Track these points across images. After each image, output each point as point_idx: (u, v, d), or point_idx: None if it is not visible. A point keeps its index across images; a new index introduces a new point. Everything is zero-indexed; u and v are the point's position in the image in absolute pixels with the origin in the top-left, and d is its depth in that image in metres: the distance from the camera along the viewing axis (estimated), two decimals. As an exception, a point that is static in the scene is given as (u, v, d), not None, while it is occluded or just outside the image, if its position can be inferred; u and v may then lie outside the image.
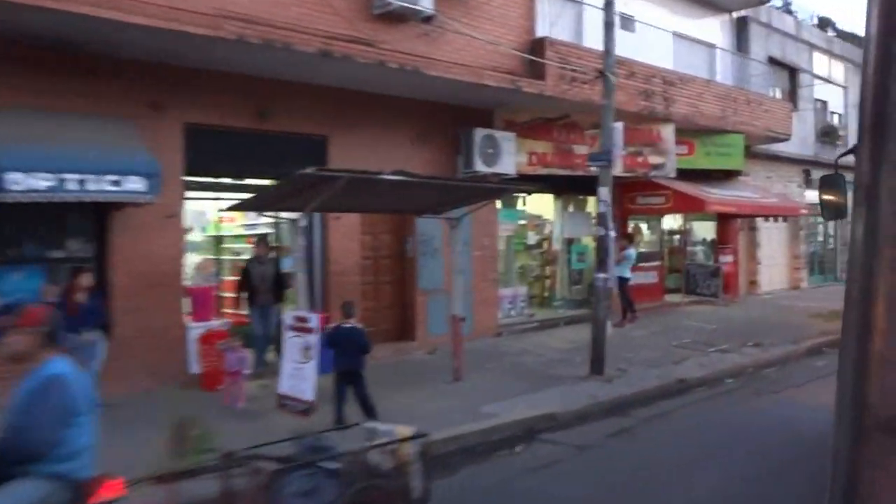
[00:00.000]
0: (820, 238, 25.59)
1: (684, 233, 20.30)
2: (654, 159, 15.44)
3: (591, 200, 16.65)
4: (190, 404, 8.17)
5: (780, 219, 22.84)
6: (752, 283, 21.42)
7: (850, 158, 2.92)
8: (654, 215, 17.22)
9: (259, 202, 8.99)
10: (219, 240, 14.16)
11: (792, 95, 22.49)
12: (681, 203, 15.75)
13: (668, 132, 15.57)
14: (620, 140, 11.02)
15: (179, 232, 10.44)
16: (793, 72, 22.68)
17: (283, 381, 9.09)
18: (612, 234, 10.80)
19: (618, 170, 11.29)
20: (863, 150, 2.15)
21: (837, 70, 25.17)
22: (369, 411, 8.37)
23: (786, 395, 10.23)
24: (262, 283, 10.48)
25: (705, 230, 20.45)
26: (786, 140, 19.45)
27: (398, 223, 12.99)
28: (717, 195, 16.49)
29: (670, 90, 15.40)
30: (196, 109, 10.44)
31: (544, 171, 14.36)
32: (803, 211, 19.14)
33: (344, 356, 8.53)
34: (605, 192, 10.74)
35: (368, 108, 12.22)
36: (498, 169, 13.30)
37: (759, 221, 21.70)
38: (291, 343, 9.02)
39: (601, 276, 10.76)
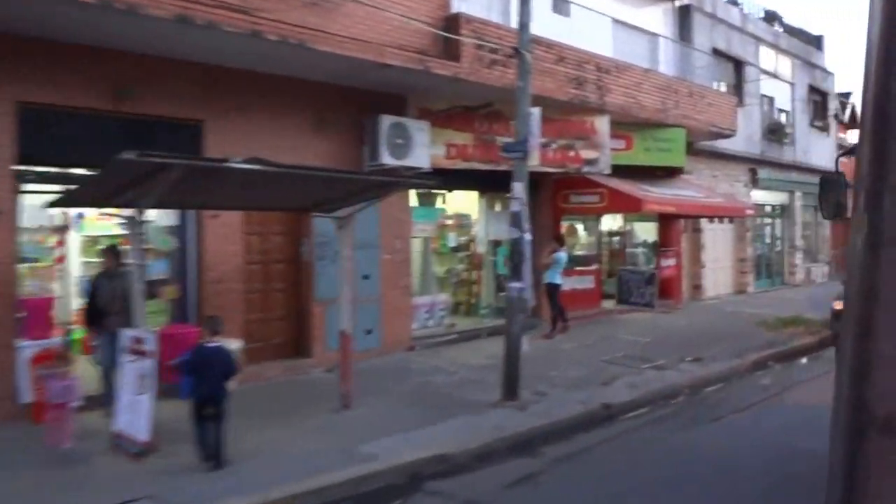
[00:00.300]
0: (767, 240, 24.57)
1: (625, 234, 19.00)
2: (587, 154, 14.05)
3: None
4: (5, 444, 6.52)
5: (726, 220, 21.72)
6: (697, 288, 20.22)
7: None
8: (589, 215, 15.85)
9: (82, 195, 7.31)
10: (94, 241, 12.36)
11: (737, 90, 21.37)
12: (616, 202, 14.39)
13: (602, 124, 14.19)
14: (538, 128, 9.56)
15: (10, 232, 8.66)
16: (738, 65, 21.56)
17: (119, 416, 7.46)
18: (528, 236, 9.33)
19: (534, 161, 9.82)
20: (864, 151, 1.99)
21: (784, 65, 24.18)
22: (214, 456, 6.77)
23: (726, 423, 8.87)
24: (111, 302, 8.60)
25: (647, 231, 19.17)
26: (731, 136, 18.26)
27: (293, 222, 11.38)
28: (657, 194, 15.17)
29: (605, 78, 14.02)
30: (34, 86, 8.70)
31: (464, 166, 12.84)
32: (749, 212, 17.96)
33: (205, 381, 6.95)
34: (519, 187, 9.26)
35: (256, 90, 10.59)
36: (409, 162, 11.76)
37: (704, 223, 20.52)
38: (129, 369, 7.38)
39: (515, 285, 9.27)
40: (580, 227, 17.20)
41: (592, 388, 10.03)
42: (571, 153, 13.88)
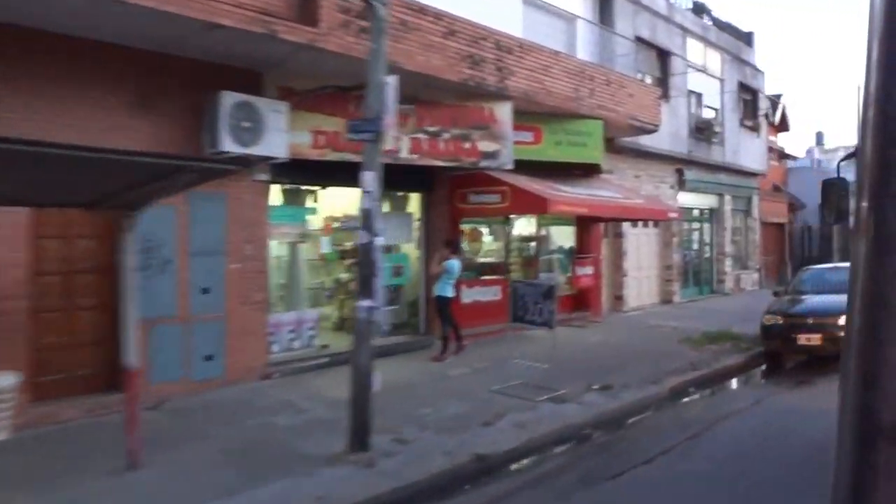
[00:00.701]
0: (695, 246, 23.07)
1: (541, 240, 17.15)
2: (485, 146, 12.09)
3: (414, 199, 13.21)
4: None
5: (651, 224, 20.09)
6: (618, 299, 18.50)
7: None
8: (490, 217, 13.89)
9: None
10: None
11: (663, 83, 19.76)
12: (520, 202, 12.47)
13: (503, 112, 12.27)
14: (394, 102, 7.54)
15: None
16: (664, 56, 19.96)
17: None
18: (380, 239, 7.29)
19: (389, 144, 7.80)
20: (866, 156, 1.76)
21: (713, 60, 22.73)
22: None
23: (630, 480, 6.95)
24: None
25: (565, 237, 17.34)
26: (653, 131, 16.57)
27: (106, 223, 9.11)
28: (568, 194, 13.32)
29: (506, 59, 12.10)
30: None
31: (336, 157, 10.76)
32: (672, 215, 16.27)
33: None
34: (370, 178, 7.23)
35: (54, 58, 8.35)
36: (260, 150, 9.63)
37: (627, 227, 18.83)
38: None
39: (364, 304, 7.22)
40: (485, 230, 15.26)
41: (470, 430, 8.04)
42: (467, 145, 11.92)
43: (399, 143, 11.23)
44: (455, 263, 11.78)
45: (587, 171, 15.91)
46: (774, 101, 33.78)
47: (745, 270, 25.62)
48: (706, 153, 21.76)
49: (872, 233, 1.70)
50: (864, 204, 1.75)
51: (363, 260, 7.26)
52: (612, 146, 17.34)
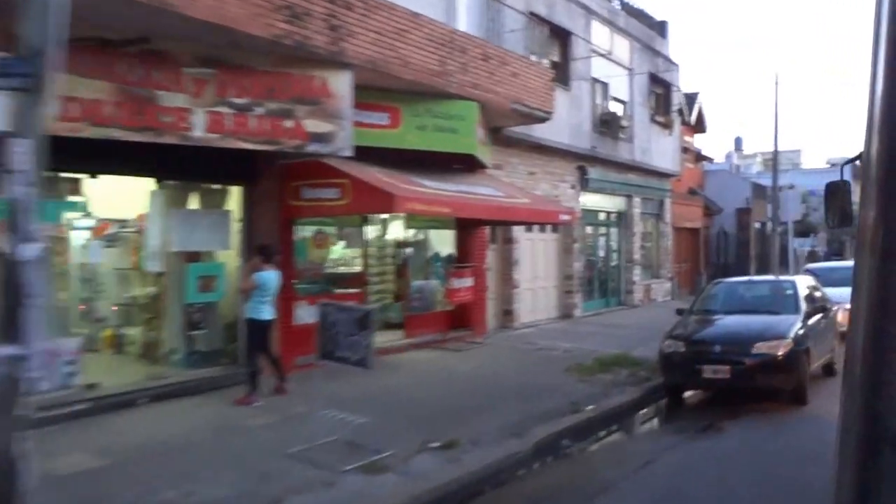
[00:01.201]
0: (601, 253, 20.88)
1: (418, 245, 14.60)
2: (314, 125, 9.42)
3: (235, 193, 10.49)
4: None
5: (550, 229, 17.78)
6: (507, 314, 16.09)
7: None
8: (327, 216, 11.22)
9: None
10: None
11: (562, 69, 17.47)
12: (362, 199, 9.86)
13: (340, 84, 9.64)
14: (63, 29, 4.79)
15: None
16: (564, 38, 17.64)
17: None
18: (34, 249, 4.55)
19: (51, 95, 5.04)
20: (871, 159, 1.92)
21: (621, 48, 20.59)
22: None
23: None
24: None
25: (446, 242, 14.80)
26: (544, 119, 14.21)
27: None
28: (426, 190, 10.77)
29: (343, 15, 9.48)
30: None
31: (99, 134, 7.96)
32: (565, 217, 13.89)
33: None
34: (22, 150, 4.47)
35: None
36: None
37: (520, 232, 16.45)
38: None
39: (5, 351, 4.46)
40: (341, 233, 12.60)
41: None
42: (288, 123, 9.23)
43: (191, 118, 8.51)
44: (270, 276, 9.09)
45: (471, 166, 13.45)
46: (691, 98, 32.12)
47: (656, 280, 23.63)
48: (612, 150, 19.58)
49: (880, 241, 1.85)
50: (871, 213, 1.87)
51: (6, 280, 4.51)
52: (499, 137, 14.93)
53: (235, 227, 10.42)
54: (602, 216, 20.86)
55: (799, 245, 47.17)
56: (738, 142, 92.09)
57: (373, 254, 13.84)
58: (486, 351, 13.34)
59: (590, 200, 19.44)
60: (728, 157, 71.55)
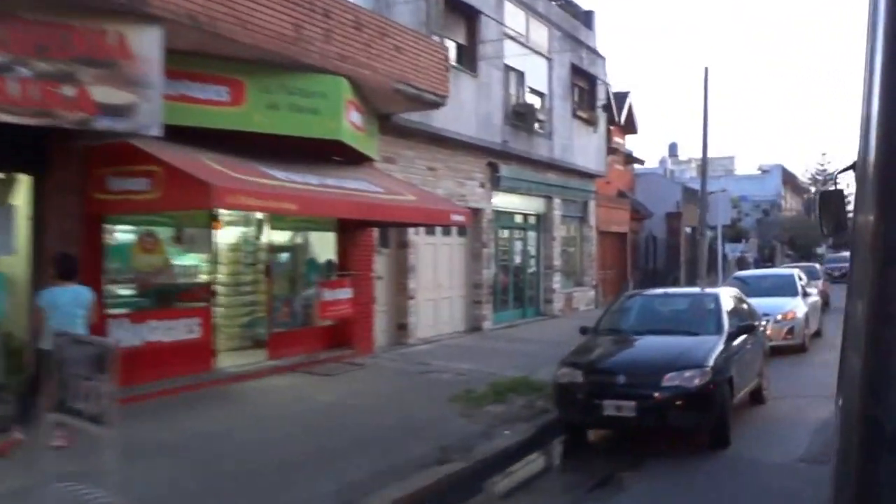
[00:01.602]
0: (517, 258, 19.05)
1: (297, 250, 12.52)
2: (105, 95, 7.27)
3: (24, 184, 8.27)
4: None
5: (456, 232, 15.89)
6: (402, 329, 14.09)
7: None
8: (142, 213, 9.03)
9: None
10: None
11: (470, 52, 15.59)
12: (177, 191, 7.74)
13: (145, 43, 7.50)
14: None
15: None
16: (471, 16, 15.74)
17: None
18: None
19: None
20: (868, 165, 1.91)
21: (539, 34, 18.81)
22: None
23: None
24: None
25: (327, 246, 12.74)
26: (438, 103, 12.30)
27: None
28: (271, 182, 8.72)
29: (150, -46, 7.37)
30: None
31: None
32: (458, 218, 11.95)
33: None
34: None
35: None
36: None
37: (418, 235, 14.50)
38: None
39: None
40: (173, 234, 10.43)
41: None
42: (68, 90, 7.07)
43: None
44: (60, 293, 6.90)
45: (356, 159, 11.49)
46: (621, 97, 30.70)
47: (579, 287, 21.94)
48: (528, 145, 17.78)
49: (879, 245, 1.81)
50: (870, 217, 1.84)
51: None
52: (391, 126, 12.98)
53: (23, 225, 8.21)
54: (518, 218, 19.07)
55: (731, 250, 46.45)
56: (672, 147, 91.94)
57: (235, 259, 11.73)
58: (364, 375, 11.32)
59: (504, 201, 17.61)
60: (662, 162, 70.92)
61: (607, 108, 23.46)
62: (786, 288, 16.03)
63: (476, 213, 16.31)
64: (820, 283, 24.06)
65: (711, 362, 7.86)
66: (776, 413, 9.68)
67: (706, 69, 24.02)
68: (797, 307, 15.07)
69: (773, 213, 57.75)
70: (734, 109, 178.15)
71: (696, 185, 53.86)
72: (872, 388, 1.78)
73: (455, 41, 15.27)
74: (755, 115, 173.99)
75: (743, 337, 8.89)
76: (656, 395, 7.62)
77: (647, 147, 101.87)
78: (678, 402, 7.60)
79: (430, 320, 15.05)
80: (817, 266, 27.00)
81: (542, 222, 19.84)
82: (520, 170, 17.71)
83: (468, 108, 15.20)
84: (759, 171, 71.84)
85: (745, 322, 9.20)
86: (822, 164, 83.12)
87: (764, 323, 10.80)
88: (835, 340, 17.55)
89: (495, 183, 16.67)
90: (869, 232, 1.81)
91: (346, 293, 11.80)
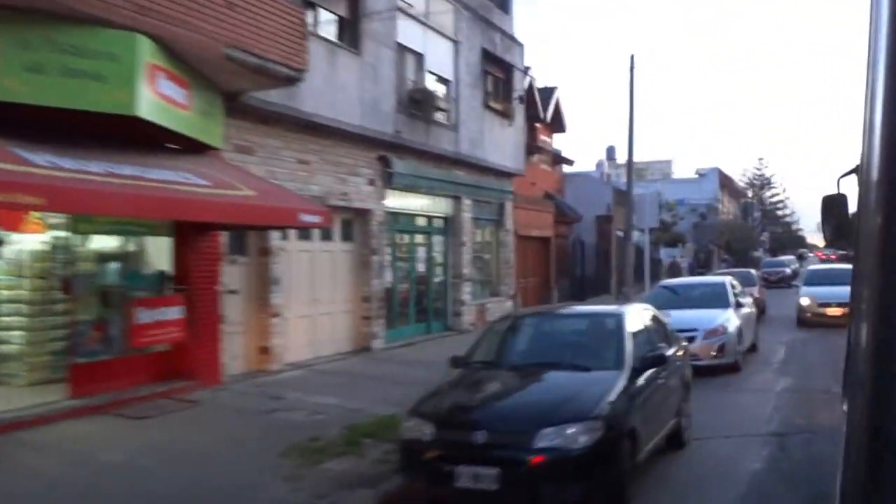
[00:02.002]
0: (420, 266, 16.86)
1: (129, 259, 10.10)
2: None
3: None
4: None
5: (339, 236, 13.66)
6: (264, 353, 11.74)
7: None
8: None
9: None
10: None
11: (351, 27, 13.37)
12: None
13: None
14: None
15: None
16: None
17: None
18: None
19: None
20: (873, 169, 1.87)
21: (443, 13, 16.65)
22: None
23: None
24: None
25: (162, 254, 10.35)
26: (293, 78, 10.05)
27: None
28: (27, 169, 6.33)
29: None
30: None
31: None
32: (311, 219, 9.64)
33: None
34: None
35: None
36: None
37: (286, 241, 12.21)
38: None
39: None
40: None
41: None
42: None
43: None
44: None
45: (197, 148, 9.20)
46: (547, 92, 28.85)
47: (494, 298, 19.86)
48: (427, 138, 15.63)
49: (883, 251, 1.78)
50: (875, 222, 1.81)
51: None
52: (243, 108, 10.69)
53: None
54: (421, 221, 16.90)
55: (666, 255, 45.07)
56: (610, 150, 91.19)
57: (41, 272, 9.29)
58: (191, 416, 8.97)
59: (401, 201, 15.44)
60: (599, 165, 69.67)
61: (528, 100, 21.46)
62: (716, 298, 14.17)
63: (363, 214, 14.10)
64: (756, 289, 22.50)
65: (605, 410, 5.77)
66: (697, 461, 7.66)
67: (632, 56, 22.27)
68: (729, 320, 13.21)
69: (711, 217, 56.82)
70: (674, 113, 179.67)
71: (654, 194, 52.84)
72: (878, 395, 1.71)
73: (334, 12, 13.04)
74: (695, 118, 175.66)
75: (652, 372, 6.81)
76: (527, 458, 5.49)
77: (585, 150, 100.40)
78: (556, 470, 5.48)
79: (305, 341, 12.76)
80: (753, 271, 25.44)
81: (449, 225, 17.70)
82: (419, 165, 15.55)
83: (350, 92, 12.98)
84: (697, 175, 71.24)
85: (656, 350, 7.11)
86: (759, 169, 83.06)
87: (685, 346, 8.81)
88: (771, 356, 15.94)
89: (387, 180, 14.46)
90: (873, 237, 1.80)
91: (173, 312, 9.44)
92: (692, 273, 36.91)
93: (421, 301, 16.90)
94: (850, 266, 22.07)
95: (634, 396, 6.21)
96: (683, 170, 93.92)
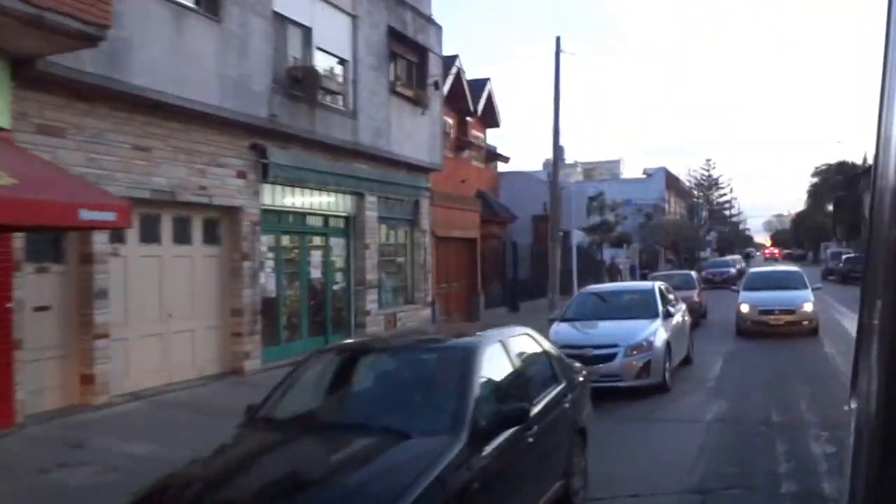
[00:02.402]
0: (314, 273, 14.74)
1: None
2: None
3: None
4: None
5: (200, 239, 11.50)
6: (87, 382, 9.50)
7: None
8: None
9: None
10: None
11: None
12: None
13: None
14: None
15: None
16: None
17: None
18: None
19: None
20: (889, 171, 1.85)
21: (337, -18, 14.56)
22: None
23: None
24: None
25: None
26: (91, 36, 7.88)
27: None
28: None
29: None
30: None
31: None
32: (97, 216, 7.41)
33: None
34: None
35: None
36: None
37: (124, 245, 10.02)
38: None
39: None
40: None
41: None
42: None
43: None
44: None
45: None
46: (479, 84, 26.99)
47: (410, 306, 17.83)
48: (312, 125, 13.49)
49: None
50: (887, 221, 1.81)
51: None
52: (41, 76, 8.49)
53: None
54: (315, 221, 14.80)
55: (611, 256, 43.54)
56: (559, 150, 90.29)
57: None
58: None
59: (288, 198, 13.37)
60: (546, 164, 68.11)
61: (456, 92, 19.47)
62: (643, 307, 12.31)
63: (232, 212, 11.96)
64: (695, 293, 20.86)
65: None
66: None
67: (557, 38, 20.36)
68: (655, 333, 11.35)
69: (657, 217, 55.59)
70: (623, 112, 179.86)
71: (581, 189, 51.28)
72: (888, 395, 1.70)
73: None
74: (644, 118, 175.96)
75: (516, 429, 4.75)
76: None
77: (535, 150, 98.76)
78: None
79: (153, 365, 10.59)
80: (693, 274, 23.75)
81: (351, 226, 15.62)
82: (307, 156, 13.44)
83: (206, 67, 10.85)
84: (645, 175, 70.15)
85: (517, 404, 4.94)
86: (706, 170, 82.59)
87: (581, 380, 6.84)
88: (707, 371, 13.86)
89: (263, 172, 12.33)
90: (885, 236, 1.81)
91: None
92: (633, 275, 35.37)
93: (317, 312, 14.80)
94: (794, 268, 20.29)
95: (470, 483, 4.13)
96: (635, 170, 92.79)
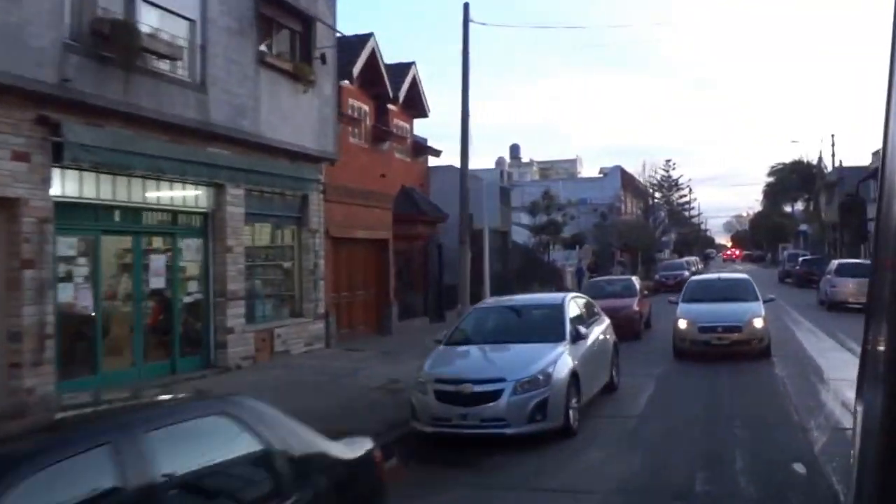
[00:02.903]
0: (155, 282, 11.91)
1: None
2: None
3: None
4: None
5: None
6: None
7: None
8: None
9: None
10: None
11: None
12: None
13: None
14: None
15: None
16: None
17: None
18: None
19: None
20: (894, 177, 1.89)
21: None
22: None
23: None
24: None
25: None
26: None
27: None
28: None
29: None
30: None
31: None
32: None
33: None
34: None
35: None
36: None
37: None
38: None
39: None
40: None
41: None
42: None
43: None
44: None
45: None
46: (401, 68, 24.33)
47: (296, 320, 15.06)
48: (132, 95, 10.64)
49: None
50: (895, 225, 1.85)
51: None
52: None
53: None
54: (155, 218, 12.00)
55: (563, 259, 41.14)
56: (514, 149, 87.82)
57: None
58: None
59: (109, 188, 10.56)
60: (499, 163, 65.65)
61: (372, 75, 16.71)
62: (548, 327, 9.60)
63: (6, 205, 9.12)
64: (634, 302, 18.37)
65: None
66: None
67: (466, 4, 17.60)
68: (555, 363, 8.70)
69: (611, 217, 53.41)
70: (580, 111, 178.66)
71: (534, 188, 48.86)
72: (894, 394, 1.73)
73: None
74: (602, 116, 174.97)
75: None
76: None
77: (489, 149, 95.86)
78: None
79: None
80: (635, 280, 21.16)
81: (210, 224, 12.82)
82: (130, 136, 10.62)
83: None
84: (601, 175, 68.04)
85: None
86: (666, 171, 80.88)
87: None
88: (630, 404, 9.66)
89: (56, 153, 9.49)
90: (893, 241, 1.84)
91: None
92: (579, 279, 32.89)
93: (164, 330, 12.02)
94: (742, 275, 17.48)
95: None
96: (593, 170, 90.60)
